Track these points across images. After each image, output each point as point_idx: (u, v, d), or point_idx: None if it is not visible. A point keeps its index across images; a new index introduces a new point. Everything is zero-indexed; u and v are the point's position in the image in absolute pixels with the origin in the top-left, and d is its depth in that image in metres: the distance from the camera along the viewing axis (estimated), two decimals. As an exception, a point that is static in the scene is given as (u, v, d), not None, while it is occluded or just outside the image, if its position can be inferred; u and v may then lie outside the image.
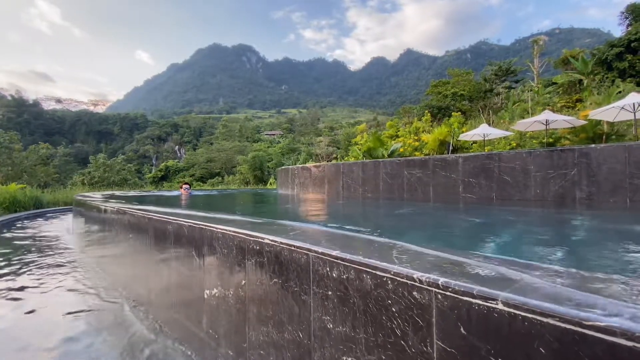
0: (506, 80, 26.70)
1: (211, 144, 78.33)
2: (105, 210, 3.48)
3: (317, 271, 1.16)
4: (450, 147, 12.94)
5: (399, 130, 18.11)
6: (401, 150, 12.49)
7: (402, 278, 0.88)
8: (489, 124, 14.61)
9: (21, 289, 3.11)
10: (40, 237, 5.79)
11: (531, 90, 19.90)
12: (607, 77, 18.21)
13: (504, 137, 12.12)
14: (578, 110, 14.06)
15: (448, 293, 0.78)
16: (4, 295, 2.96)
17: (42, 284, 3.24)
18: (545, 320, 0.63)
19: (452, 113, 16.96)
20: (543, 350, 0.64)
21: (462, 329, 0.76)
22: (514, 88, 24.85)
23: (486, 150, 11.55)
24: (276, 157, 43.16)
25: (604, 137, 10.45)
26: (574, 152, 3.87)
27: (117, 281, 3.19)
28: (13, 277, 3.45)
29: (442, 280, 0.80)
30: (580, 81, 18.41)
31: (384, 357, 0.93)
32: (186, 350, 1.94)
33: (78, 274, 3.57)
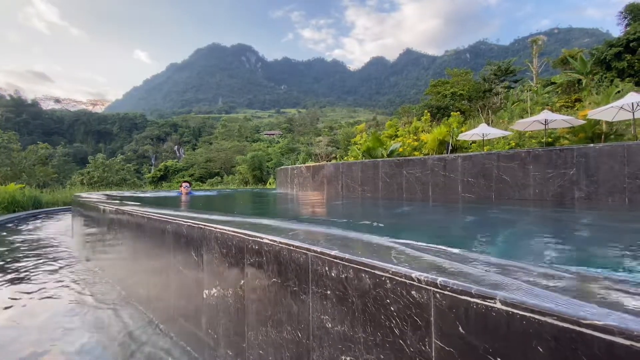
0: (505, 80, 26.73)
1: (210, 143, 78.28)
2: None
3: (316, 271, 1.16)
4: (450, 147, 12.95)
5: (398, 130, 18.12)
6: (400, 150, 12.49)
7: (400, 277, 0.88)
8: (488, 124, 14.62)
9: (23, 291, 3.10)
10: (39, 238, 5.78)
11: (530, 90, 19.92)
12: (605, 77, 18.24)
13: (503, 137, 12.14)
14: (577, 110, 14.08)
15: (446, 292, 0.78)
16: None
17: (43, 285, 3.24)
18: (543, 319, 0.63)
19: (451, 113, 16.98)
20: (541, 349, 0.64)
21: (460, 328, 0.76)
22: (513, 88, 24.87)
23: (485, 150, 11.57)
24: (275, 157, 43.18)
25: (602, 136, 10.47)
26: (573, 152, 3.88)
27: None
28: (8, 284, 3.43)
29: (440, 279, 0.80)
30: (579, 81, 18.44)
31: (382, 357, 0.93)
32: (186, 350, 1.94)
33: (75, 275, 3.56)
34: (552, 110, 12.75)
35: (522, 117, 13.46)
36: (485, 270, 0.85)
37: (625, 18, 22.03)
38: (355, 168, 6.13)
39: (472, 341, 0.74)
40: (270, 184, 24.06)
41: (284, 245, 1.30)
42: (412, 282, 0.86)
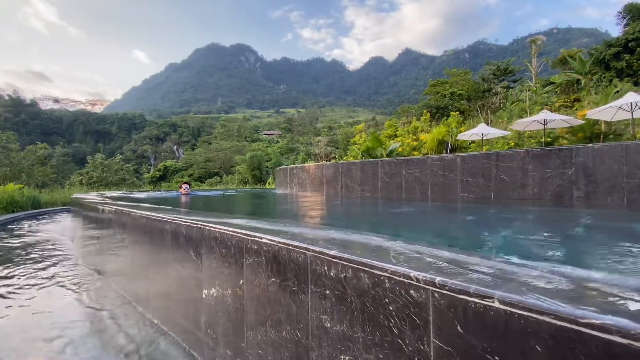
0: (504, 80, 26.77)
1: (209, 143, 78.22)
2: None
3: (315, 270, 1.16)
4: (449, 147, 12.97)
5: (397, 130, 18.15)
6: (400, 149, 12.50)
7: (399, 277, 0.89)
8: (487, 124, 14.66)
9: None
10: (38, 240, 5.77)
11: (529, 90, 19.96)
12: (604, 77, 18.29)
13: (502, 137, 12.16)
14: (576, 109, 14.12)
15: (445, 291, 0.79)
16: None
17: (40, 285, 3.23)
18: (540, 318, 0.63)
19: (451, 113, 17.00)
20: (539, 348, 0.64)
21: (458, 327, 0.76)
22: (512, 88, 24.91)
23: (484, 150, 11.58)
24: (275, 157, 43.16)
25: (601, 136, 10.49)
26: (572, 152, 3.89)
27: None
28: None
29: (438, 278, 0.80)
30: (578, 81, 18.48)
31: (381, 356, 0.93)
32: (185, 350, 1.94)
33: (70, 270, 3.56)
34: (551, 110, 12.77)
35: (521, 117, 13.49)
36: (483, 269, 0.85)
37: (624, 18, 22.09)
38: (355, 168, 6.13)
39: (471, 340, 0.74)
40: (269, 184, 24.06)
41: (282, 245, 1.30)
42: (410, 281, 0.86)
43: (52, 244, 5.15)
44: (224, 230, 1.65)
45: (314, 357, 1.16)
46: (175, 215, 2.18)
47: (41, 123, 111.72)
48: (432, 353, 0.81)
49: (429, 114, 18.29)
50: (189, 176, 52.41)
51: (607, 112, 8.90)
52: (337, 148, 36.35)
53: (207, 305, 1.78)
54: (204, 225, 1.81)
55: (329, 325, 1.10)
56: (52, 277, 3.44)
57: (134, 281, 2.80)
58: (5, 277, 3.41)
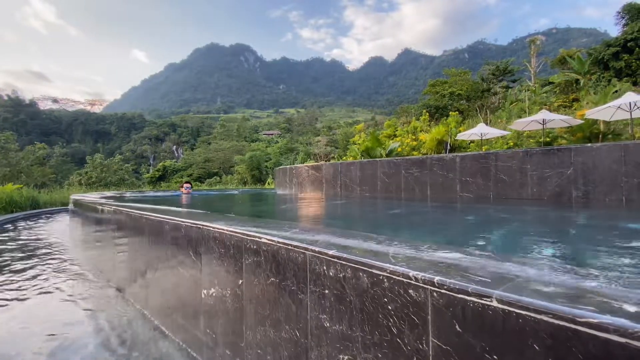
0: (503, 79, 26.80)
1: (209, 143, 78.17)
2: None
3: (314, 270, 1.16)
4: (448, 147, 12.99)
5: (397, 130, 18.16)
6: (399, 149, 12.52)
7: (398, 276, 0.89)
8: (487, 124, 14.67)
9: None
10: (37, 241, 5.77)
11: (528, 89, 19.99)
12: (603, 77, 18.31)
13: (502, 137, 12.18)
14: (575, 109, 14.14)
15: (443, 291, 0.79)
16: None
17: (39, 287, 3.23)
18: (539, 317, 0.64)
19: (450, 112, 17.03)
20: (537, 347, 0.64)
21: (457, 327, 0.76)
22: (511, 87, 24.95)
23: (483, 150, 11.60)
24: (274, 157, 43.13)
25: (600, 136, 10.51)
26: (571, 151, 3.90)
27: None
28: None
29: (437, 278, 0.81)
30: (577, 81, 18.50)
31: (380, 355, 0.93)
32: (184, 350, 1.94)
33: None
34: (550, 110, 12.79)
35: (520, 117, 13.50)
36: (481, 269, 0.86)
37: (623, 18, 22.12)
38: (354, 168, 6.13)
39: (469, 339, 0.74)
40: (268, 184, 24.06)
41: (282, 245, 1.30)
42: (409, 280, 0.86)
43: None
44: (223, 230, 1.65)
45: (313, 357, 1.16)
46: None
47: (40, 123, 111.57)
48: (431, 352, 0.82)
49: (428, 113, 18.33)
50: (188, 176, 52.36)
51: (606, 111, 8.92)
52: (337, 148, 36.39)
53: (206, 305, 1.78)
54: (203, 225, 1.81)
55: (328, 324, 1.10)
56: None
57: (133, 279, 2.80)
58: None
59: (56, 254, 4.45)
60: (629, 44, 18.57)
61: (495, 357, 0.70)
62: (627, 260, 1.41)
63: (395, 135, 17.11)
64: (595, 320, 0.58)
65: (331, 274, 1.09)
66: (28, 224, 7.40)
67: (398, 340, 0.89)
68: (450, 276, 0.81)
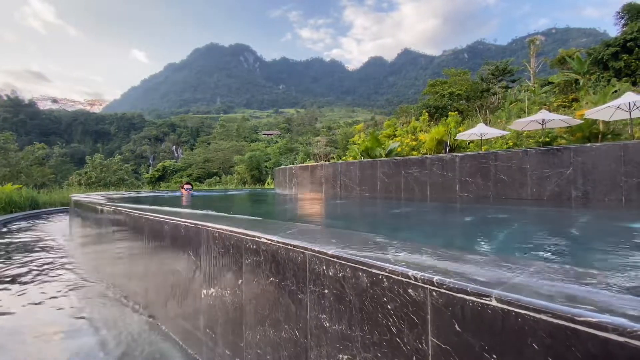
0: (503, 79, 26.82)
1: (208, 143, 78.10)
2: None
3: (314, 270, 1.16)
4: (448, 147, 12.99)
5: (396, 130, 18.15)
6: (399, 149, 12.52)
7: (397, 276, 0.89)
8: (486, 124, 14.68)
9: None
10: (36, 241, 5.76)
11: (528, 89, 20.01)
12: (602, 77, 18.32)
13: (501, 137, 12.18)
14: (574, 109, 14.15)
15: (443, 290, 0.79)
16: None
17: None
18: (538, 316, 0.64)
19: (449, 112, 17.03)
20: (536, 346, 0.64)
21: (456, 326, 0.77)
22: (510, 87, 24.95)
23: (483, 150, 11.60)
24: (274, 157, 43.09)
25: (599, 136, 10.52)
26: (570, 151, 3.90)
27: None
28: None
29: (436, 277, 0.81)
30: (577, 81, 18.51)
31: (379, 355, 0.93)
32: (184, 349, 1.94)
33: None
34: (549, 110, 12.80)
35: (520, 117, 13.51)
36: (481, 268, 0.86)
37: (623, 18, 22.13)
38: (354, 168, 6.13)
39: (469, 339, 0.74)
40: (268, 184, 24.06)
41: (281, 245, 1.30)
42: (408, 280, 0.86)
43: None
44: (223, 229, 1.65)
45: (313, 357, 1.16)
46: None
47: (40, 123, 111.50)
48: (430, 352, 0.82)
49: (427, 113, 18.33)
50: (188, 176, 52.31)
51: (605, 111, 8.93)
52: (336, 148, 36.37)
53: (206, 305, 1.78)
54: (203, 225, 1.81)
55: (327, 324, 1.10)
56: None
57: (132, 279, 2.80)
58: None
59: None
60: (628, 44, 18.58)
61: (494, 356, 0.70)
62: (627, 260, 1.41)
63: (394, 136, 17.11)
64: (594, 320, 0.58)
65: (330, 273, 1.09)
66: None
67: (397, 339, 0.89)
68: (450, 275, 0.81)
